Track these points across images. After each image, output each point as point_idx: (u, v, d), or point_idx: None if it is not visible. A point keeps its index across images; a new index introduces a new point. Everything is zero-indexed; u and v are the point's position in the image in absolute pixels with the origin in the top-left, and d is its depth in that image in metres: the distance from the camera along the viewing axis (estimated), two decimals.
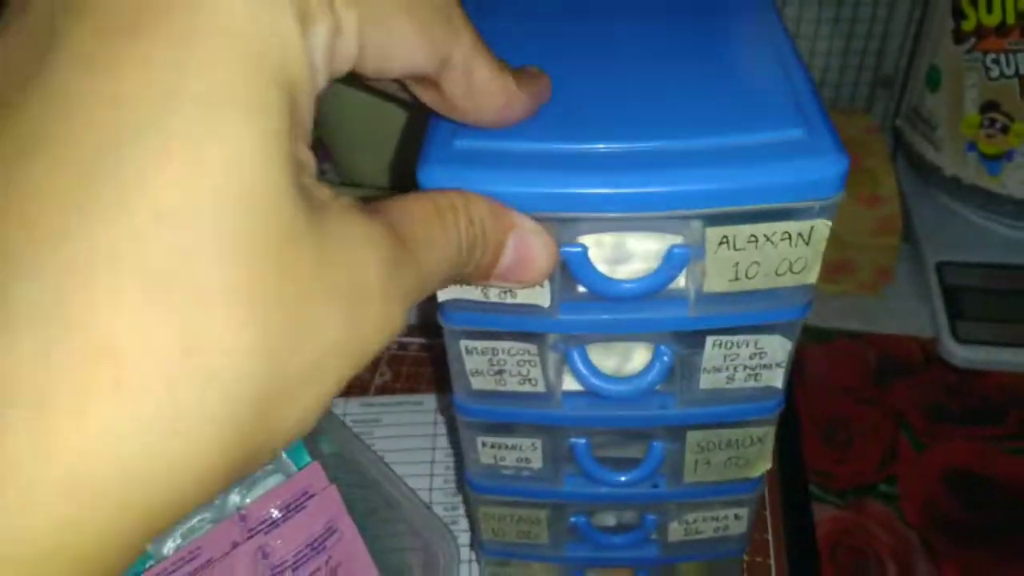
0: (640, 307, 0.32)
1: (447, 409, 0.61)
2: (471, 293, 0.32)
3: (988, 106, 0.74)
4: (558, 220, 0.30)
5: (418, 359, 0.66)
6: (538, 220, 0.29)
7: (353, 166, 0.72)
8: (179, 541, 0.45)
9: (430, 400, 0.62)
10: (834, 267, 0.74)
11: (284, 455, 0.48)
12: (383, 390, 0.64)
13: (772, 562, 0.50)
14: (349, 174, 0.74)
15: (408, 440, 0.59)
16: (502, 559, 0.46)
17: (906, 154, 0.85)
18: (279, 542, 0.42)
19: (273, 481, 0.47)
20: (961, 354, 0.69)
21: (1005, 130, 0.73)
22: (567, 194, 0.29)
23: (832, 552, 0.56)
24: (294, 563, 0.42)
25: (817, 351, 0.71)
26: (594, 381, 0.35)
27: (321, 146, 0.77)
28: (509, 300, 0.32)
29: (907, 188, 0.83)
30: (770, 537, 0.52)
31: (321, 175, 0.78)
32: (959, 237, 0.79)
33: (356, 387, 0.64)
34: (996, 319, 0.71)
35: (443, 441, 0.59)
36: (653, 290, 0.31)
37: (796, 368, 0.69)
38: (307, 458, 0.48)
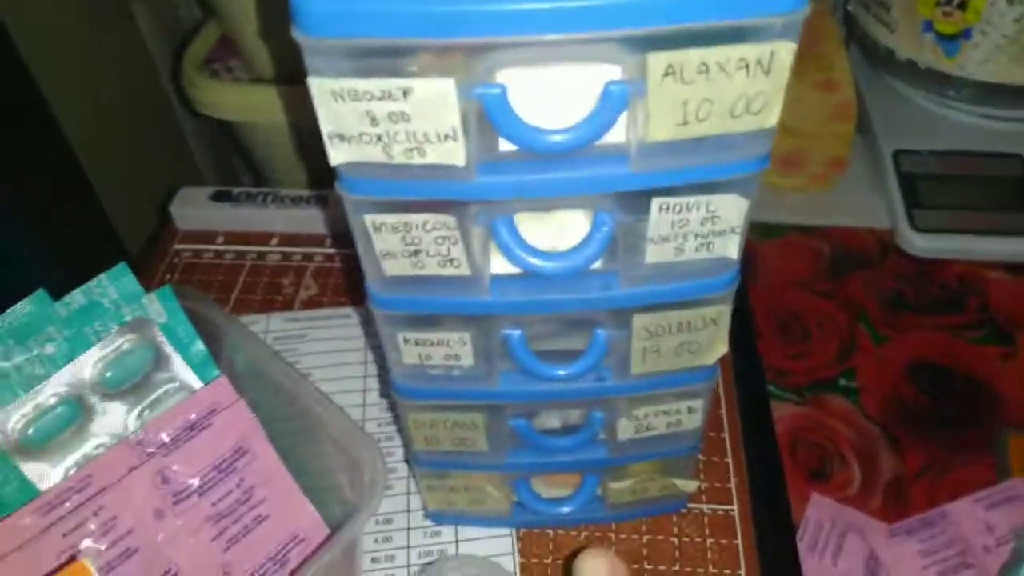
0: (573, 164, 0.27)
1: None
2: (370, 152, 0.27)
3: None
4: (468, 49, 0.24)
5: (346, 271, 0.60)
6: (444, 50, 0.24)
7: (262, 59, 0.65)
8: (72, 471, 0.40)
9: (358, 313, 0.57)
10: (786, 159, 0.70)
11: (190, 369, 0.43)
12: (309, 304, 0.58)
13: (730, 460, 0.47)
14: (258, 68, 0.67)
15: (337, 355, 0.54)
16: (439, 471, 0.42)
17: (859, 40, 0.80)
18: (181, 464, 0.37)
19: (178, 400, 0.42)
20: (919, 243, 0.66)
21: (963, 6, 0.69)
22: (475, 12, 0.23)
23: (792, 449, 0.53)
24: (200, 487, 0.38)
25: (770, 247, 0.67)
26: (525, 257, 0.30)
27: (228, 42, 0.70)
28: (417, 160, 0.27)
29: (860, 77, 0.79)
30: (727, 436, 0.48)
31: (228, 72, 0.71)
32: (915, 124, 0.75)
33: (279, 302, 0.58)
34: (954, 207, 0.68)
35: (375, 355, 0.55)
36: (588, 139, 0.26)
37: (748, 265, 0.65)
38: (215, 374, 0.43)
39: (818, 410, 0.56)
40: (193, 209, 0.64)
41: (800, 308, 0.63)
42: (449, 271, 0.31)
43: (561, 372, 0.35)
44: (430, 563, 0.43)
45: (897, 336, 0.61)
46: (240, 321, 0.45)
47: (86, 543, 0.35)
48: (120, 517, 0.36)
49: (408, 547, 0.45)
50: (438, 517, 0.45)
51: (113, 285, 0.42)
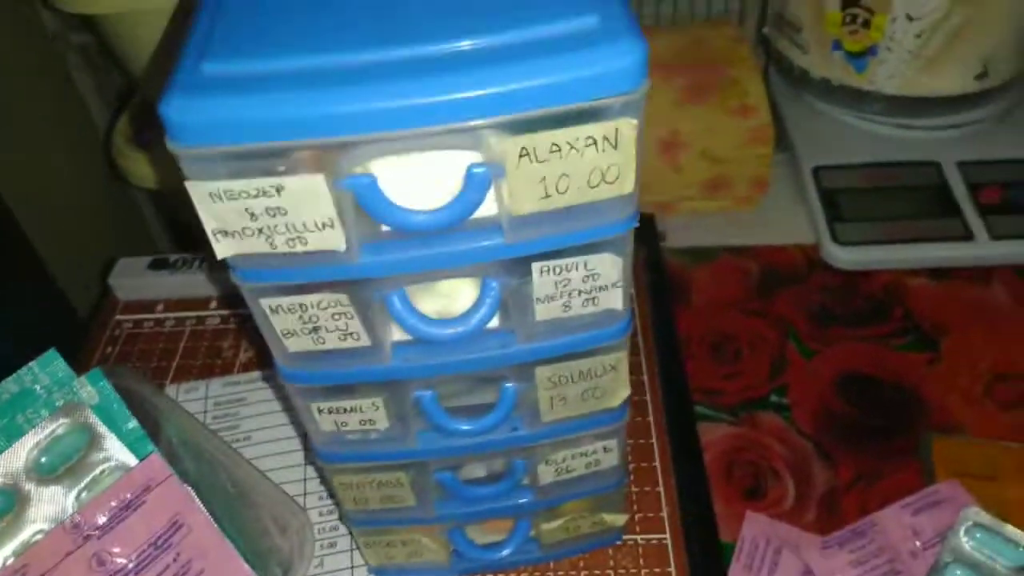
0: (451, 239, 0.29)
1: None
2: (254, 244, 0.28)
3: (848, 1, 0.72)
4: (336, 146, 0.26)
5: None
6: (313, 149, 0.25)
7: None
8: (11, 560, 0.40)
9: None
10: (709, 184, 0.72)
11: (125, 448, 0.43)
12: (248, 366, 0.59)
13: (661, 489, 0.49)
14: None
15: (277, 416, 0.55)
16: (373, 528, 0.43)
17: (776, 62, 0.83)
18: (116, 545, 0.38)
19: (114, 480, 0.42)
20: (843, 256, 0.68)
21: (867, 24, 0.72)
22: (341, 114, 0.25)
23: (728, 470, 0.55)
24: (136, 567, 0.39)
25: (700, 271, 0.69)
26: (420, 326, 0.31)
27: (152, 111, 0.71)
28: (300, 248, 0.28)
29: (779, 96, 0.82)
30: (657, 464, 0.50)
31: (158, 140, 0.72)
32: (833, 140, 0.78)
33: (219, 366, 0.59)
34: (875, 218, 0.71)
35: None
36: (458, 218, 0.28)
37: (680, 290, 0.67)
38: (150, 448, 0.44)
39: (751, 429, 0.58)
40: (132, 279, 0.65)
41: (731, 329, 0.65)
42: (349, 344, 0.32)
43: (474, 427, 0.36)
44: None
45: (825, 350, 0.63)
46: (169, 396, 0.46)
47: None
48: None
49: None
50: (381, 572, 0.46)
51: (44, 371, 0.43)
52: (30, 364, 0.43)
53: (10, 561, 0.40)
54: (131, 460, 0.43)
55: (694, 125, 0.68)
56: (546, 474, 0.40)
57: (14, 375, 0.43)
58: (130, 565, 0.38)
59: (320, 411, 0.35)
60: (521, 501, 0.41)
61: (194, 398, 0.56)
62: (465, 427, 0.36)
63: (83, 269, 0.82)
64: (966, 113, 0.76)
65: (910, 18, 0.70)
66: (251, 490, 0.40)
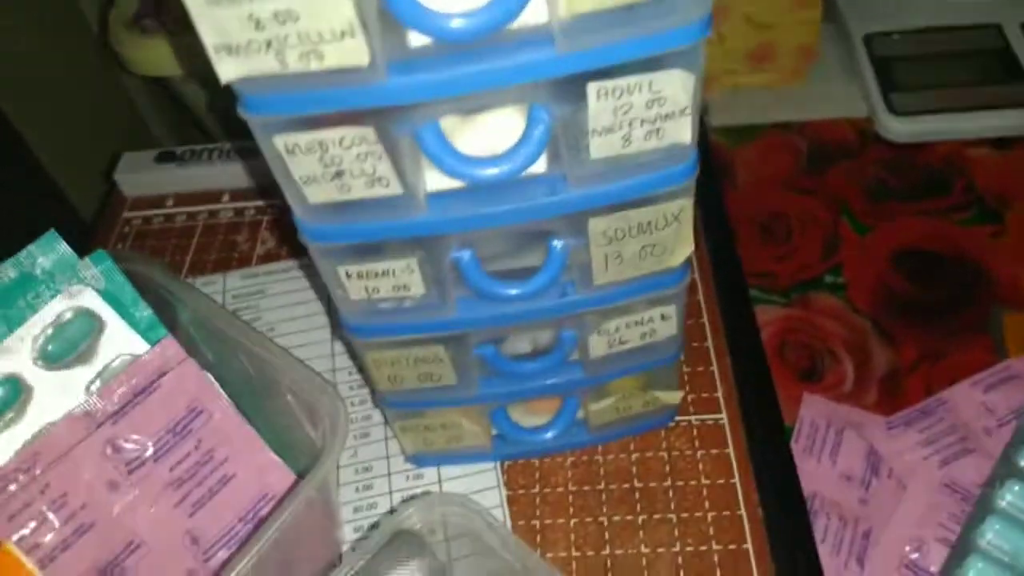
0: (494, 53, 0.24)
1: None
2: (262, 63, 0.24)
3: None
4: None
5: None
6: None
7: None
8: (20, 450, 0.38)
9: None
10: (754, 55, 0.66)
11: (137, 335, 0.40)
12: (266, 258, 0.56)
13: (715, 368, 0.45)
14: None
15: (300, 307, 0.52)
16: (410, 411, 0.40)
17: None
18: (131, 432, 0.35)
19: (123, 364, 0.39)
20: (900, 127, 0.63)
21: None
22: None
23: (780, 352, 0.51)
24: (155, 454, 0.36)
25: (746, 150, 0.65)
26: (457, 164, 0.27)
27: None
28: (316, 65, 0.24)
29: None
30: (710, 344, 0.46)
31: (161, 26, 0.67)
32: (884, 5, 0.71)
33: (236, 260, 0.56)
34: (933, 86, 0.65)
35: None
36: (503, 19, 0.23)
37: (725, 169, 0.63)
38: (163, 331, 0.40)
39: (805, 310, 0.54)
40: (139, 174, 0.61)
41: (781, 208, 0.60)
42: (379, 191, 0.28)
43: (520, 291, 0.32)
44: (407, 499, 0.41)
45: (882, 225, 0.58)
46: (187, 281, 0.43)
47: (32, 524, 0.33)
48: (71, 493, 0.34)
49: (390, 492, 0.43)
50: (418, 459, 0.43)
51: (44, 255, 0.40)
52: (28, 247, 0.40)
53: (19, 451, 0.37)
54: (142, 345, 0.40)
55: None
56: (598, 346, 0.36)
57: (11, 259, 0.39)
58: (147, 452, 0.36)
59: (349, 275, 0.32)
60: (569, 378, 0.38)
61: (211, 292, 0.53)
62: (509, 291, 0.32)
63: (82, 166, 0.79)
64: None
65: None
66: (277, 374, 0.37)
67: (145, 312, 0.40)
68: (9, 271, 0.39)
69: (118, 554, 0.34)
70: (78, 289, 0.39)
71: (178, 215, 0.60)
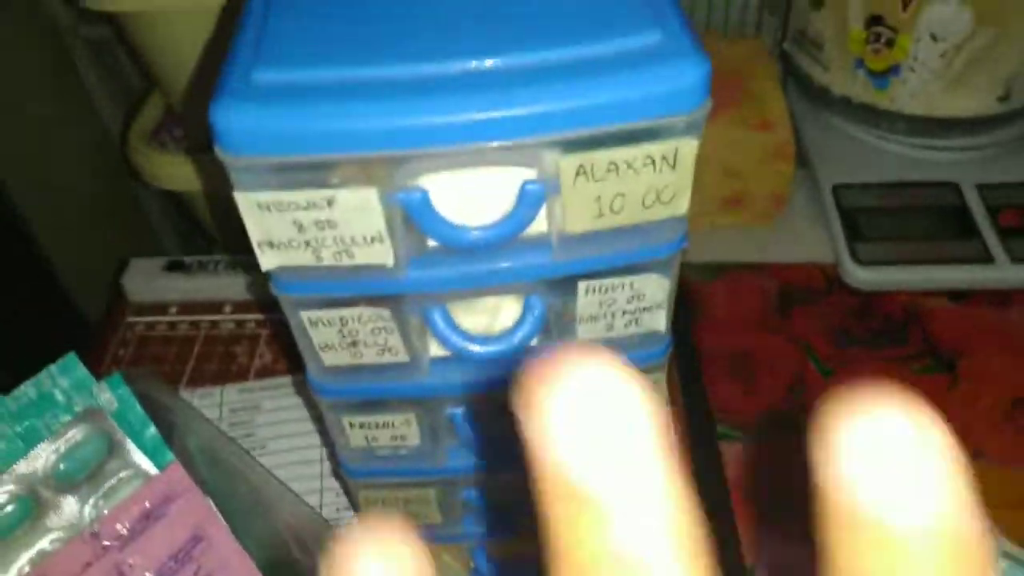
0: (499, 256, 0.28)
1: None
2: (300, 257, 0.27)
3: (872, 20, 0.72)
4: (389, 160, 0.25)
5: None
6: (366, 162, 0.25)
7: (203, 128, 0.66)
8: (27, 568, 0.40)
9: None
10: (728, 199, 0.72)
11: (144, 456, 0.43)
12: (263, 373, 0.59)
13: None
14: (200, 137, 0.67)
15: (294, 424, 0.55)
16: None
17: (796, 78, 0.83)
18: (136, 558, 0.38)
19: (133, 488, 0.42)
20: (862, 276, 0.68)
21: (890, 43, 0.72)
22: (395, 128, 0.24)
23: (743, 488, 0.55)
24: None
25: (716, 287, 0.69)
26: (460, 344, 0.31)
27: (173, 113, 0.71)
28: (347, 262, 0.28)
29: (798, 113, 0.82)
30: None
31: (176, 142, 0.72)
32: (853, 158, 0.77)
33: (234, 372, 0.59)
34: (895, 238, 0.70)
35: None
36: (509, 235, 0.27)
37: (695, 305, 0.67)
38: (169, 456, 0.43)
39: (770, 447, 0.57)
40: (145, 281, 0.65)
41: (748, 346, 0.64)
42: (387, 359, 0.32)
43: (507, 451, 0.35)
44: None
45: (844, 370, 0.62)
46: (189, 403, 0.46)
47: None
48: None
49: None
50: None
51: (63, 376, 0.43)
52: (49, 368, 0.43)
53: (26, 570, 0.39)
54: (150, 468, 0.42)
55: (714, 139, 0.67)
56: None
57: (33, 379, 0.42)
58: None
59: (351, 425, 0.35)
60: None
61: (208, 404, 0.56)
62: (497, 451, 0.35)
63: (89, 270, 0.82)
64: (987, 135, 0.76)
65: (935, 38, 0.70)
66: (272, 502, 0.40)
67: (152, 434, 0.43)
68: (30, 391, 0.42)
69: None
70: (93, 411, 0.42)
71: (180, 323, 0.63)
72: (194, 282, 0.64)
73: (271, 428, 0.54)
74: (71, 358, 0.43)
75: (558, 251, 0.28)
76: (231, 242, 0.71)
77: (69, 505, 0.40)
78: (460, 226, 0.27)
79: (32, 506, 0.40)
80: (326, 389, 0.33)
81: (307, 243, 0.27)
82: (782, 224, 0.73)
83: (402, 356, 0.31)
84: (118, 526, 0.39)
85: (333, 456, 0.51)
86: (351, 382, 0.33)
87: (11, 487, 0.40)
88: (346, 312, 0.30)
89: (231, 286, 0.64)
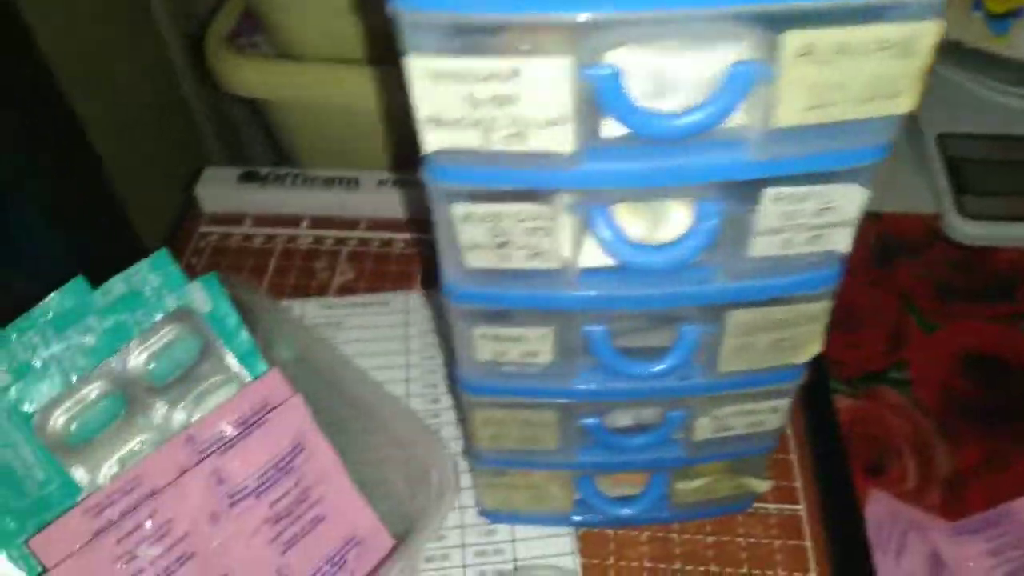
0: (686, 151, 0.25)
1: (432, 299, 0.54)
2: (468, 138, 0.24)
3: None
4: (582, 27, 0.22)
5: (381, 255, 0.58)
6: (549, 27, 0.22)
7: (290, 33, 0.62)
8: (115, 468, 0.38)
9: (398, 299, 0.55)
10: None
11: (237, 361, 0.40)
12: (344, 290, 0.56)
13: (794, 458, 0.46)
14: (285, 44, 0.64)
15: (377, 344, 0.52)
16: (500, 468, 0.40)
17: None
18: (236, 464, 0.36)
19: (225, 394, 0.40)
20: (967, 230, 0.64)
21: None
22: None
23: (847, 443, 0.52)
24: (257, 488, 0.36)
25: None
26: (626, 251, 0.28)
27: (252, 17, 0.67)
28: (518, 147, 0.24)
29: None
30: (791, 432, 0.47)
31: (253, 48, 0.68)
32: (959, 107, 0.73)
33: (313, 287, 0.56)
34: (1003, 192, 0.66)
35: (417, 344, 0.53)
36: (708, 125, 0.24)
37: None
38: (263, 366, 0.41)
39: (871, 402, 0.55)
40: (219, 190, 0.62)
41: (849, 297, 0.61)
42: (536, 264, 0.29)
43: (645, 371, 0.33)
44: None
45: (948, 325, 0.59)
46: (285, 308, 0.43)
47: (142, 548, 0.33)
48: (176, 520, 0.34)
49: (463, 545, 0.43)
50: (493, 515, 0.44)
51: (154, 272, 0.40)
52: (140, 263, 0.40)
53: (114, 470, 0.38)
54: (243, 374, 0.40)
55: None
56: (703, 430, 0.36)
57: (123, 274, 0.40)
58: (250, 486, 0.36)
59: (481, 338, 0.32)
60: (666, 455, 0.38)
61: (301, 320, 0.53)
62: (635, 369, 0.33)
63: (159, 178, 0.79)
64: None
65: None
66: (377, 419, 0.37)
67: (246, 340, 0.41)
68: (119, 286, 0.40)
69: None
70: (186, 311, 0.40)
71: (256, 236, 0.60)
72: (269, 194, 0.61)
73: (353, 346, 0.52)
74: (162, 254, 0.40)
75: (755, 149, 0.25)
76: (309, 155, 0.68)
77: (160, 407, 0.38)
78: (654, 112, 0.24)
79: (122, 405, 0.38)
80: (464, 295, 0.30)
81: (479, 122, 0.24)
82: (883, 172, 0.69)
83: (552, 262, 0.29)
84: (215, 431, 0.36)
85: (451, 368, 0.48)
86: (490, 289, 0.30)
87: (101, 384, 0.37)
88: (504, 208, 0.27)
89: (308, 200, 0.61)
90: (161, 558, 0.33)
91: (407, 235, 0.59)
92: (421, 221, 0.59)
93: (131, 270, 0.40)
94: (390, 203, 0.60)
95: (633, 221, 0.28)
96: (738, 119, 0.25)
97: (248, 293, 0.42)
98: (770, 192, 0.26)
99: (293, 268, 0.58)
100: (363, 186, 0.61)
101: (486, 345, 0.32)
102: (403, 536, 0.38)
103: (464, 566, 0.42)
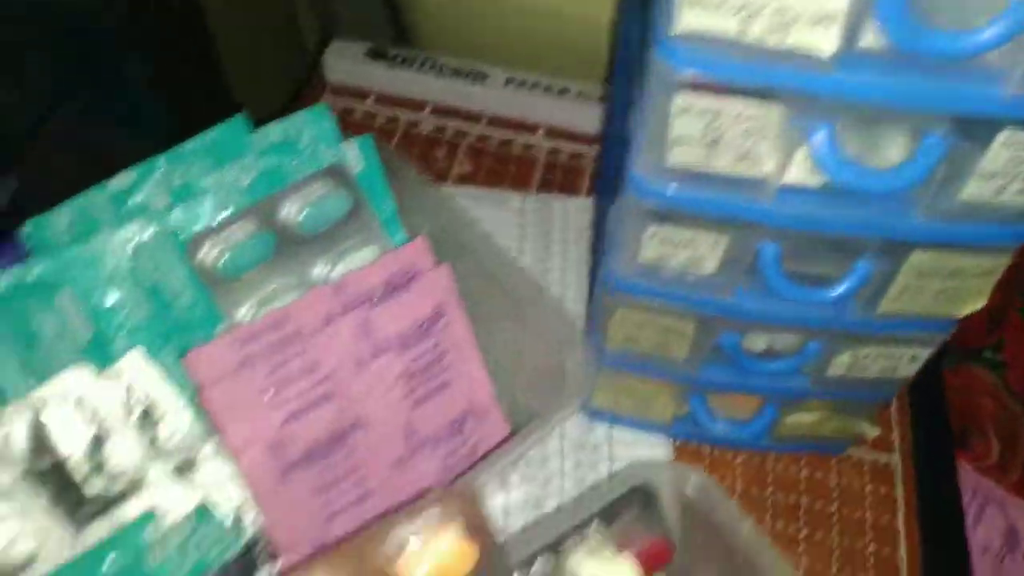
0: (942, 76, 0.25)
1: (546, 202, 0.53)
2: (724, 24, 0.24)
3: None
4: None
5: (500, 154, 0.58)
6: None
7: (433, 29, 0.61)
8: (255, 308, 0.39)
9: (515, 199, 0.55)
10: None
11: (381, 226, 0.41)
12: (462, 181, 0.56)
13: (893, 410, 0.46)
14: (429, 39, 0.62)
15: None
16: (620, 370, 0.40)
17: None
18: (383, 319, 0.36)
19: (366, 255, 0.40)
20: None
21: None
22: None
23: None
24: (400, 344, 0.37)
25: None
26: (842, 169, 0.28)
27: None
28: (774, 42, 0.24)
29: None
30: None
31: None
32: None
33: (434, 172, 0.57)
34: None
35: (530, 245, 0.53)
36: (985, 45, 0.23)
37: None
38: (402, 234, 0.41)
39: (963, 376, 0.55)
40: (346, 63, 0.62)
41: None
42: (740, 169, 0.29)
43: (807, 297, 0.33)
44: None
45: None
46: (438, 188, 0.44)
47: (288, 382, 0.34)
48: (322, 362, 0.35)
49: (563, 436, 0.44)
50: (595, 413, 0.45)
51: (311, 125, 0.40)
52: (297, 114, 0.40)
53: (254, 309, 0.39)
54: (385, 239, 0.41)
55: None
56: (838, 366, 0.37)
57: (280, 121, 0.40)
58: (393, 341, 0.37)
59: (652, 237, 0.32)
60: (791, 385, 0.39)
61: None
62: (797, 295, 0.33)
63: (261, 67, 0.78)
64: None
65: None
66: (515, 301, 0.38)
67: (390, 205, 0.41)
68: (277, 132, 0.40)
69: (347, 428, 0.35)
70: (339, 168, 0.40)
71: (379, 114, 0.60)
72: (396, 74, 0.61)
73: None
74: (321, 108, 0.40)
75: (1012, 85, 0.24)
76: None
77: (304, 257, 0.39)
78: (944, 28, 0.23)
79: (270, 248, 0.38)
80: (650, 190, 0.30)
81: (740, 8, 0.24)
82: None
83: (758, 170, 0.29)
84: (364, 286, 0.37)
85: (596, 266, 0.49)
86: (686, 188, 0.30)
87: (252, 224, 0.38)
88: (728, 105, 0.27)
89: (434, 87, 0.61)
90: (304, 394, 0.35)
91: (529, 137, 0.59)
92: (551, 128, 0.59)
93: (289, 119, 0.40)
94: (516, 103, 0.60)
95: (850, 142, 0.28)
96: (1005, 51, 0.24)
97: (397, 162, 0.42)
98: (1005, 135, 0.26)
99: (413, 152, 0.58)
100: (490, 81, 0.60)
101: (654, 246, 0.33)
102: (516, 417, 0.39)
103: (562, 454, 0.44)
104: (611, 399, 0.43)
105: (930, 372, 0.49)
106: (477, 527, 0.30)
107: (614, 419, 0.44)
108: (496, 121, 0.60)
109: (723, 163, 0.29)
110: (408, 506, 0.29)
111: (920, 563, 0.41)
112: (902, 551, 0.41)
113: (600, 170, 0.56)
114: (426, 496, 0.30)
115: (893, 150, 0.28)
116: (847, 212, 0.29)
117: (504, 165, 0.57)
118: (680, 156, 0.29)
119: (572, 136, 0.58)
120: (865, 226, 0.30)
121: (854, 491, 0.43)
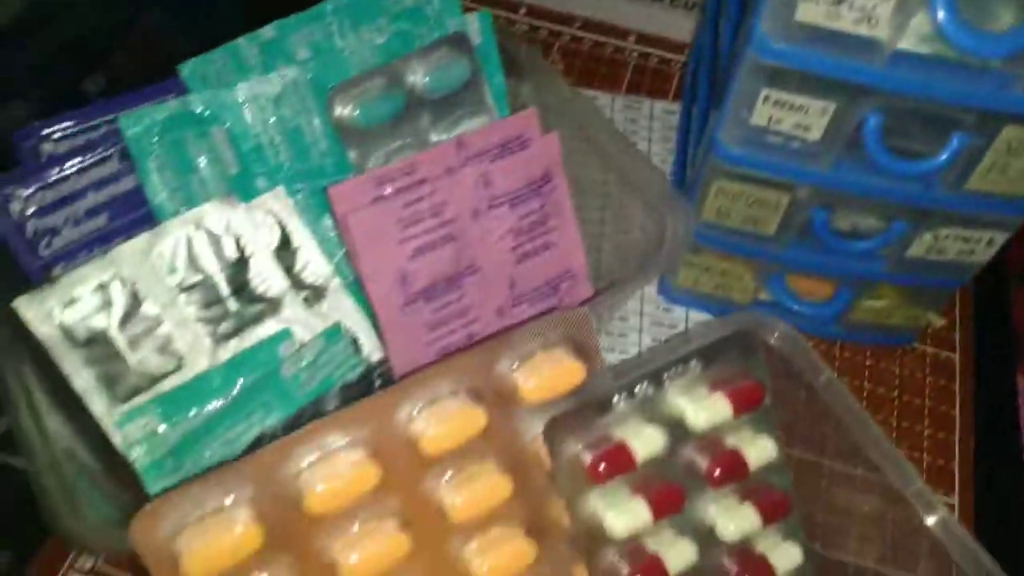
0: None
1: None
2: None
3: None
4: None
5: (593, 55, 0.61)
6: None
7: None
8: (381, 160, 0.42)
9: (605, 99, 0.58)
10: None
11: (491, 99, 0.44)
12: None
13: (957, 308, 0.48)
14: None
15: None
16: (706, 247, 0.43)
17: None
18: (499, 175, 0.39)
19: (477, 124, 0.43)
20: None
21: None
22: None
23: None
24: (513, 200, 0.40)
25: None
26: (961, 33, 0.30)
27: None
28: None
29: None
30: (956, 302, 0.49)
31: None
32: None
33: None
34: None
35: None
36: None
37: None
38: (507, 108, 0.44)
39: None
40: None
41: None
42: (861, 30, 0.31)
43: (902, 168, 0.35)
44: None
45: None
46: (550, 67, 0.46)
47: (419, 218, 0.37)
48: (448, 205, 0.38)
49: (641, 313, 0.47)
50: (672, 295, 0.48)
51: None
52: None
53: (380, 160, 0.42)
54: (494, 111, 0.44)
55: None
56: (918, 247, 0.39)
57: None
58: (507, 196, 0.40)
59: (765, 100, 0.35)
60: (871, 267, 0.41)
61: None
62: (896, 167, 0.35)
63: None
64: None
65: None
66: (617, 170, 0.41)
67: (501, 81, 0.44)
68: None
69: (461, 271, 0.39)
70: (462, 38, 0.43)
71: (472, 10, 0.63)
72: None
73: None
74: None
75: None
76: None
77: (424, 119, 0.42)
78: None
79: (398, 107, 0.41)
80: (774, 50, 0.33)
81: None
82: None
83: (878, 32, 0.31)
84: (482, 144, 0.40)
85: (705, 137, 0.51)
86: (805, 46, 0.32)
87: (384, 82, 0.41)
88: None
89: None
90: (430, 232, 0.38)
91: (621, 42, 0.61)
92: (641, 34, 0.62)
93: None
94: (609, 7, 0.62)
95: (964, 11, 0.31)
96: None
97: (513, 42, 0.45)
98: None
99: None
100: None
101: (766, 109, 0.35)
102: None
103: (640, 330, 0.47)
104: (692, 278, 0.46)
105: (999, 279, 0.52)
106: (586, 348, 0.33)
107: (690, 301, 0.47)
108: (588, 25, 0.62)
109: (844, 23, 0.31)
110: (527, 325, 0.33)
111: (973, 447, 0.44)
112: (956, 436, 0.44)
113: (698, 55, 0.58)
114: (544, 316, 0.33)
115: (1003, 20, 0.30)
116: (951, 81, 0.32)
117: (596, 68, 0.60)
118: (807, 13, 0.31)
119: (662, 42, 0.61)
120: (968, 96, 0.32)
121: (915, 381, 0.46)
